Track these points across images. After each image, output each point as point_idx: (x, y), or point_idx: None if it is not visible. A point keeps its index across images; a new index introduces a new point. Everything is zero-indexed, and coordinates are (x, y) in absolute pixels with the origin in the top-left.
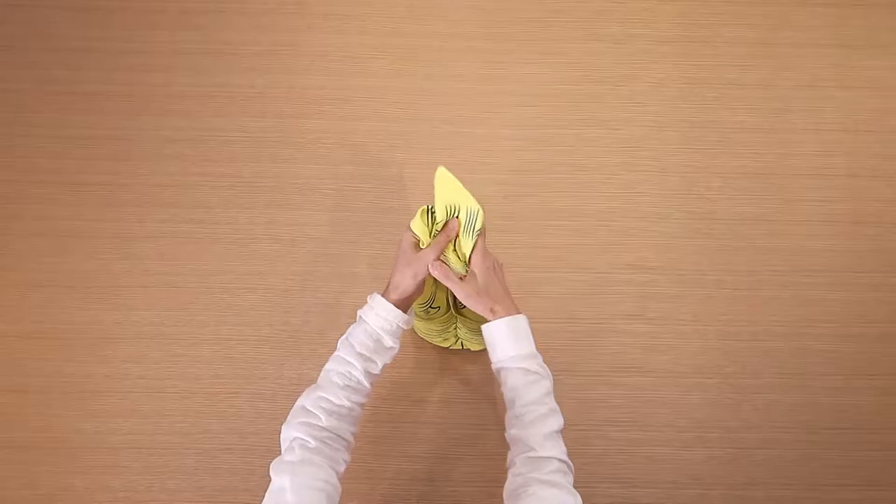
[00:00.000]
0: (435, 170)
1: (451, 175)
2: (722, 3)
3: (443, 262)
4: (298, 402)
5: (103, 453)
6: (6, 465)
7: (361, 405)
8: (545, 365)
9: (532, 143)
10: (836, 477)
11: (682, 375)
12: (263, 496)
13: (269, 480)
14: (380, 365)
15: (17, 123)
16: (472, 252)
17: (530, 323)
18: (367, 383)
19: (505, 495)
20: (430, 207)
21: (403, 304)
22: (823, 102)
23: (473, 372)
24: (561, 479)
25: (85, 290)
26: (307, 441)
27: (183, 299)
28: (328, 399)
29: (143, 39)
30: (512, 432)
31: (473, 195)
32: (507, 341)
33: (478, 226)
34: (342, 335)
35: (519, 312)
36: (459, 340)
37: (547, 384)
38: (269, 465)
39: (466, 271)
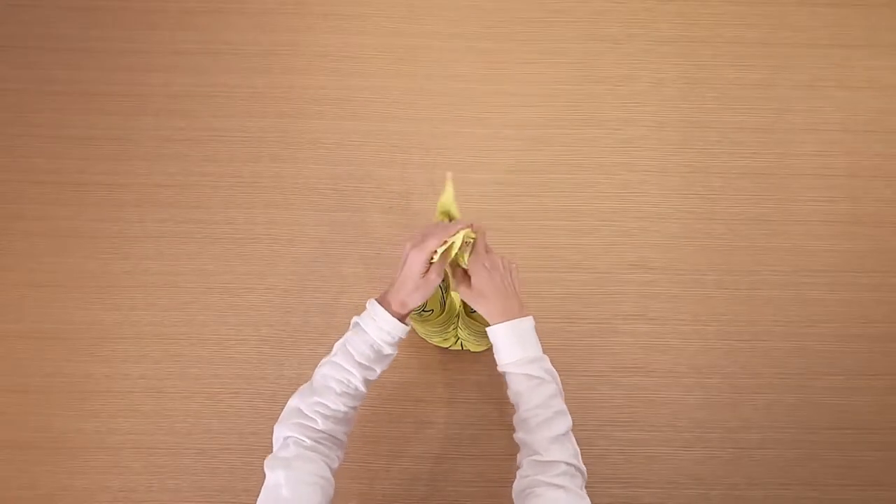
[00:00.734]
0: (435, 170)
1: (451, 188)
2: (722, 3)
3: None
4: (293, 403)
5: (103, 453)
6: (6, 465)
7: (357, 408)
8: (552, 367)
9: (532, 143)
10: (836, 477)
11: (682, 375)
12: None
13: None
14: (378, 372)
15: (17, 123)
16: (469, 256)
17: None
18: (364, 389)
19: (514, 495)
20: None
21: (405, 317)
22: (823, 102)
23: (474, 372)
24: (568, 482)
25: (85, 290)
26: (302, 440)
27: (183, 299)
28: (325, 405)
29: (143, 39)
30: (519, 435)
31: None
32: (510, 345)
33: (459, 242)
34: (340, 337)
35: (525, 315)
36: (459, 341)
37: (552, 387)
38: None
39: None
